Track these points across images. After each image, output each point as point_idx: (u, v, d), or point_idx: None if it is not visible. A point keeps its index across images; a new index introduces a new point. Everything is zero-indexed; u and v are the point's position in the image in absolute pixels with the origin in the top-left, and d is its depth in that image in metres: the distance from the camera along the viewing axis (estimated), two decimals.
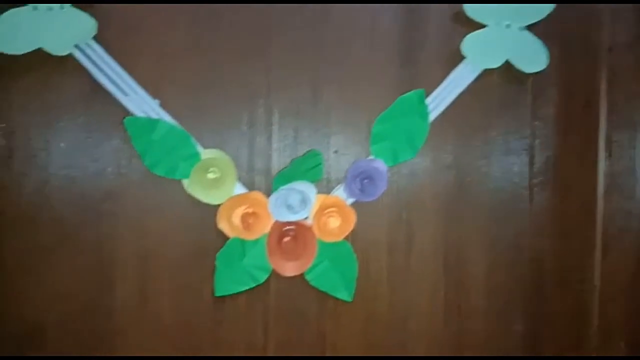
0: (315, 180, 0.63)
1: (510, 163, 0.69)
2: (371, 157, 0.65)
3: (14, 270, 0.61)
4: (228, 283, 0.62)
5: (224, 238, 0.63)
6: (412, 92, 0.65)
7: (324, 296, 0.65)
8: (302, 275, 0.64)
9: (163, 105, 0.62)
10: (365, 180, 0.63)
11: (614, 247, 0.70)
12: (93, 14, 0.59)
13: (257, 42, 0.64)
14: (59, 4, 0.58)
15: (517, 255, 0.69)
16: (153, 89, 0.62)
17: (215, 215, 0.62)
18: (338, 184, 0.65)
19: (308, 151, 0.64)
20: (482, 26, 0.66)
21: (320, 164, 0.63)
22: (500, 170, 0.69)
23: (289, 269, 0.63)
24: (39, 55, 0.58)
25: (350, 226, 0.63)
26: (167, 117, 0.61)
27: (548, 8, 0.65)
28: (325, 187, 0.65)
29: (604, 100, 0.70)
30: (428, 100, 0.65)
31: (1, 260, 0.61)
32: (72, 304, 0.62)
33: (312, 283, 0.64)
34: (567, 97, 0.69)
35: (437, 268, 0.68)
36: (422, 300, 0.68)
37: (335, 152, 0.65)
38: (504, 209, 0.69)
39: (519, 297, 0.70)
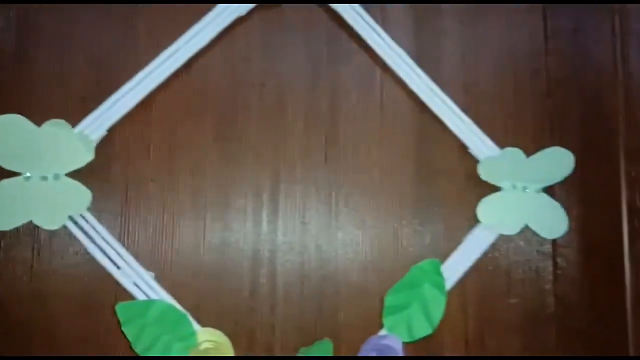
0: None
1: (535, 333, 0.63)
2: (384, 331, 0.59)
3: None
4: None
5: None
6: (425, 261, 0.60)
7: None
8: None
9: (159, 278, 0.57)
10: None
11: None
12: (89, 184, 0.56)
13: (262, 208, 0.61)
14: (53, 175, 0.55)
15: None
16: (151, 261, 0.58)
17: None
18: (348, 355, 0.59)
19: (319, 341, 0.58)
20: (498, 188, 0.63)
21: (330, 353, 0.57)
22: (525, 341, 0.63)
23: None
24: (30, 228, 0.55)
25: None
26: (161, 292, 0.56)
27: (565, 171, 0.63)
28: None
29: (628, 261, 0.65)
30: (443, 267, 0.60)
31: None
32: None
33: None
34: (591, 259, 0.65)
35: None
36: None
37: (345, 322, 0.60)
38: None
39: None
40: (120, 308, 0.54)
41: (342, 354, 0.59)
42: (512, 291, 0.64)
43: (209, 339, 0.56)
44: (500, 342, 0.63)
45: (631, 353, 0.62)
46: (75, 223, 0.56)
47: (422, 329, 0.59)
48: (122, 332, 0.55)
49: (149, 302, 0.55)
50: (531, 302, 0.64)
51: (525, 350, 0.63)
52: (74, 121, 0.56)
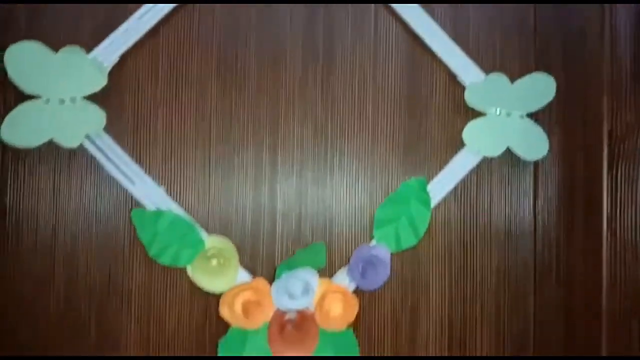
0: (318, 268, 0.63)
1: (513, 249, 0.69)
2: (374, 242, 0.65)
3: None
4: None
5: (228, 327, 0.62)
6: (413, 179, 0.65)
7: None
8: None
9: (170, 192, 0.63)
10: (368, 268, 0.63)
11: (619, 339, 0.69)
12: (104, 106, 0.61)
13: (263, 134, 0.65)
14: (70, 98, 0.60)
15: (523, 341, 0.68)
16: (161, 178, 0.63)
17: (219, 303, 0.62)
18: (341, 266, 0.65)
19: (313, 244, 0.64)
20: (484, 114, 0.67)
21: (323, 254, 0.63)
22: (503, 256, 0.68)
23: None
24: (51, 147, 0.60)
25: (353, 315, 0.63)
26: (172, 205, 0.62)
27: (547, 97, 0.67)
28: (328, 271, 0.65)
29: (605, 185, 0.70)
30: (430, 186, 0.66)
31: (1, 352, 0.61)
32: None
33: None
34: (570, 183, 0.69)
35: (442, 354, 0.67)
36: None
37: (339, 236, 0.66)
38: (508, 296, 0.69)
39: None
40: (135, 214, 0.60)
41: (335, 263, 0.65)
42: (494, 209, 0.69)
43: (215, 245, 0.62)
44: (482, 254, 0.68)
45: (604, 267, 0.67)
46: (92, 142, 0.61)
47: (408, 241, 0.65)
48: (136, 239, 0.61)
49: (160, 212, 0.61)
50: (511, 220, 0.69)
51: (505, 261, 0.68)
52: (87, 49, 0.61)
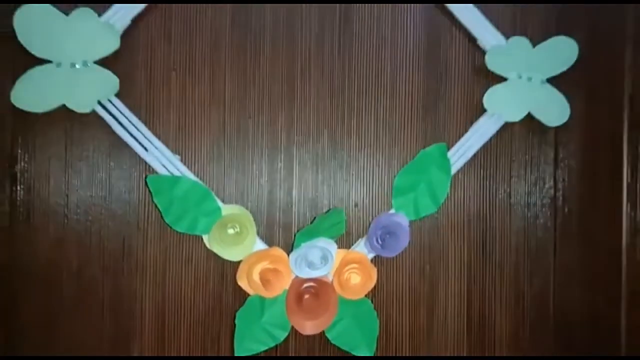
0: (337, 236, 0.62)
1: (533, 216, 0.67)
2: (392, 211, 0.64)
3: (31, 326, 0.60)
4: (248, 343, 0.61)
5: (244, 295, 0.62)
6: (433, 146, 0.64)
7: (344, 355, 0.64)
8: (322, 333, 0.63)
9: (184, 160, 0.62)
10: (387, 236, 0.62)
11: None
12: (116, 71, 0.59)
13: (279, 96, 0.64)
14: (82, 62, 0.58)
15: (542, 311, 0.68)
16: (174, 145, 0.62)
17: (236, 271, 0.61)
18: (359, 237, 0.64)
19: (331, 209, 0.63)
20: (504, 79, 0.65)
21: (342, 221, 0.62)
22: (523, 223, 0.67)
23: (309, 328, 0.61)
24: (62, 112, 0.58)
25: (372, 283, 0.62)
26: (187, 173, 0.61)
27: (569, 61, 0.65)
28: (346, 241, 0.64)
29: (627, 151, 0.68)
30: (450, 153, 0.64)
31: (18, 315, 0.60)
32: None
33: (333, 342, 0.62)
34: (591, 149, 0.68)
35: (460, 325, 0.67)
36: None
37: (356, 205, 0.65)
38: (528, 263, 0.67)
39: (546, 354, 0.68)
40: (150, 180, 0.59)
41: (353, 232, 0.64)
42: (514, 176, 0.67)
43: (232, 213, 0.60)
44: (502, 221, 0.67)
45: (624, 233, 0.66)
46: (104, 107, 0.59)
47: (427, 208, 0.63)
48: (151, 207, 0.60)
49: (176, 178, 0.60)
50: (531, 185, 0.68)
51: (525, 228, 0.67)
52: (98, 12, 0.59)
